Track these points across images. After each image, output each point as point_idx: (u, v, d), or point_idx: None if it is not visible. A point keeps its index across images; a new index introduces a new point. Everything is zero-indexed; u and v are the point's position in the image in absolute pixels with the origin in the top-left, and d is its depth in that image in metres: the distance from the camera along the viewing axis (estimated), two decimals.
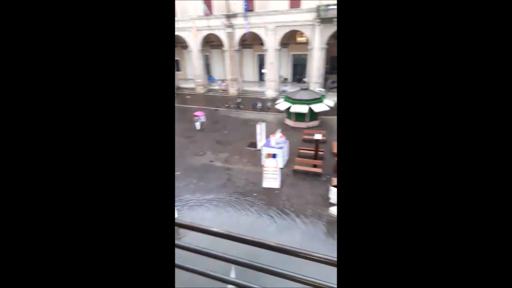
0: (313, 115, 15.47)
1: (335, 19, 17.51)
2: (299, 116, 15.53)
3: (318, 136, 11.26)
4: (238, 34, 21.07)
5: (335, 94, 20.12)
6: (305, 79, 21.48)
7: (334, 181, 9.48)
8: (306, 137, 13.70)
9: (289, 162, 11.56)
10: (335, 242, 7.54)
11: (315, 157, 11.32)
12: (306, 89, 16.44)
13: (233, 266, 1.30)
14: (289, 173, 10.93)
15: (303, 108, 14.85)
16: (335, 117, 16.04)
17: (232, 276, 1.41)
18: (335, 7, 17.23)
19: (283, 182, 10.23)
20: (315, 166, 10.98)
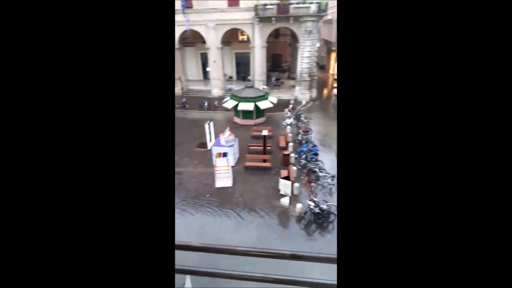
0: (259, 112, 15.98)
1: (273, 19, 18.29)
2: (247, 114, 15.86)
3: (265, 132, 11.74)
4: (178, 31, 20.22)
5: (279, 91, 21.09)
6: (249, 77, 21.95)
7: (283, 173, 10.07)
8: (254, 133, 14.11)
9: (240, 159, 11.78)
10: (288, 231, 8.07)
11: (264, 152, 11.79)
12: (251, 87, 16.87)
13: (187, 276, 1.31)
14: (241, 170, 11.16)
15: (249, 106, 15.22)
16: (279, 113, 16.88)
17: (188, 286, 1.42)
18: (272, 6, 17.98)
19: (235, 179, 10.40)
20: (264, 160, 11.45)
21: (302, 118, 15.85)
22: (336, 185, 9.80)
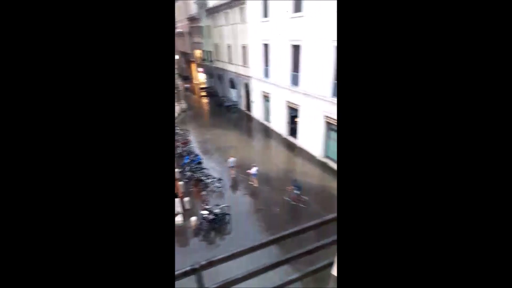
0: None
1: None
2: None
3: None
4: None
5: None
6: None
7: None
8: None
9: None
10: (189, 248, 7.69)
11: None
12: None
13: None
14: None
15: None
16: None
17: None
18: None
19: None
20: None
21: (178, 131, 15.45)
22: (224, 186, 10.24)
